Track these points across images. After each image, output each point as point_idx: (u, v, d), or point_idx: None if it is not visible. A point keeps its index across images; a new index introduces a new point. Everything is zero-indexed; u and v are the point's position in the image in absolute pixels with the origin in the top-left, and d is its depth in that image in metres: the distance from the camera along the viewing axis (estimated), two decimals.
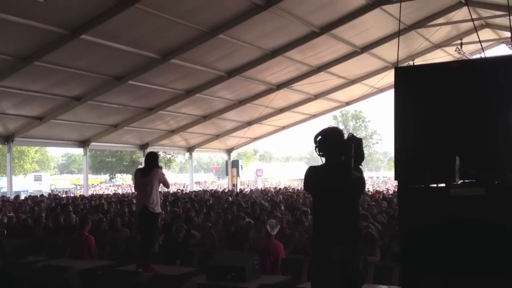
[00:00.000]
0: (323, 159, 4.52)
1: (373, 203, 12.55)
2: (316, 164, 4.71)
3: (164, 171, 8.22)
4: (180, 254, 8.76)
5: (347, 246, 4.35)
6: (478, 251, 3.96)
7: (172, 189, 37.18)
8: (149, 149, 25.85)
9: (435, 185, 4.18)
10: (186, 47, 15.68)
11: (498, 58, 5.45)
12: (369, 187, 37.06)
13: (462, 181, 4.19)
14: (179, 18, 13.84)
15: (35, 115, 19.05)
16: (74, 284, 6.80)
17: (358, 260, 4.48)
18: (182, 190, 27.91)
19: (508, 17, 17.42)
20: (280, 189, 28.62)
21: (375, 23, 17.76)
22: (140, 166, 11.27)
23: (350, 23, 16.77)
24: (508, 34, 20.07)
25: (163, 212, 11.08)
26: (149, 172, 7.61)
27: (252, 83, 20.92)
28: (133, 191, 30.34)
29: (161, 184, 7.88)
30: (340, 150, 4.38)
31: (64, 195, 28.08)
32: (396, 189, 20.59)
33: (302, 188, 18.58)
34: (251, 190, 27.89)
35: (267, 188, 31.17)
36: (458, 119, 4.45)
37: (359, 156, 4.37)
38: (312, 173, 4.54)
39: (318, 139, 4.54)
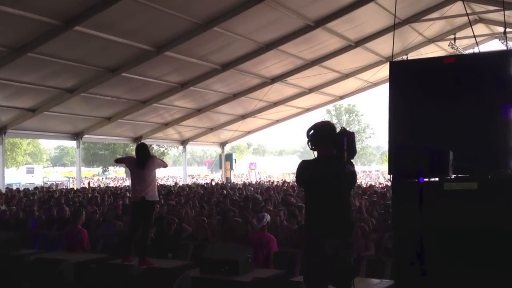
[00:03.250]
0: (315, 153, 4.54)
1: (366, 197, 12.58)
2: (309, 158, 4.73)
3: None
4: (172, 247, 8.77)
5: (340, 239, 4.37)
6: (471, 245, 3.98)
7: (169, 182, 37.20)
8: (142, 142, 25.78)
9: (428, 179, 4.19)
10: (180, 40, 15.61)
11: (492, 53, 5.46)
12: (362, 181, 37.15)
13: (455, 175, 4.21)
14: (174, 10, 13.77)
15: (27, 107, 18.93)
16: (68, 277, 6.80)
17: (350, 254, 4.50)
18: (176, 183, 27.85)
19: (501, 12, 17.51)
20: (272, 182, 28.60)
21: (369, 17, 17.77)
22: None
23: (344, 17, 16.77)
24: (501, 29, 20.15)
25: (158, 206, 11.06)
26: (145, 165, 7.59)
27: (246, 76, 20.89)
28: (126, 184, 30.32)
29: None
30: (332, 144, 4.39)
31: (55, 188, 27.93)
32: (388, 183, 20.69)
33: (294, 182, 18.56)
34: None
35: (262, 182, 31.13)
36: (452, 113, 4.46)
37: (352, 150, 4.37)
38: (304, 167, 4.55)
39: (310, 133, 4.55)
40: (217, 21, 14.89)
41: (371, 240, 7.52)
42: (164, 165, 8.18)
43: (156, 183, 7.98)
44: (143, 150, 7.78)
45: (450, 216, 4.03)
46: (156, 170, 7.76)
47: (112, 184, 35.96)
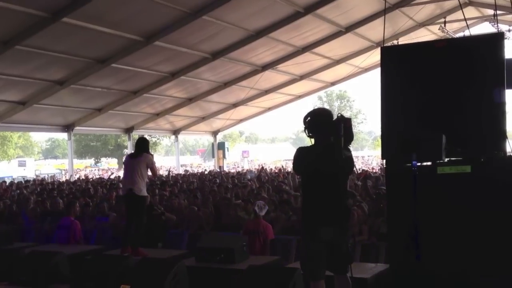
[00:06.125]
0: (312, 140, 4.54)
1: (359, 182, 12.59)
2: (303, 145, 4.73)
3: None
4: (161, 237, 8.78)
5: (337, 226, 4.38)
6: (465, 227, 4.01)
7: (161, 172, 37.01)
8: (134, 133, 25.78)
9: (421, 164, 4.21)
10: (169, 29, 15.50)
11: (483, 36, 5.46)
12: (356, 166, 37.13)
13: (448, 159, 4.22)
14: None
15: (17, 100, 18.77)
16: (63, 269, 6.77)
17: (347, 240, 4.52)
18: (170, 172, 27.72)
19: None
20: (264, 169, 28.52)
21: (359, 3, 17.72)
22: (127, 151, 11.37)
23: (334, 2, 16.72)
24: (491, 11, 20.17)
25: (149, 196, 11.03)
26: (137, 156, 7.71)
27: (237, 64, 20.82)
28: (117, 174, 30.27)
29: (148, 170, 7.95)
30: (329, 130, 4.39)
31: (50, 180, 27.81)
32: (379, 168, 20.77)
33: (290, 169, 18.56)
34: (247, 171, 27.71)
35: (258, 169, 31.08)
36: (444, 97, 4.48)
37: (349, 136, 4.38)
38: (302, 154, 4.54)
39: (307, 120, 4.54)
40: (206, 10, 14.78)
41: (364, 225, 7.56)
42: (153, 171, 8.06)
43: (146, 181, 7.91)
44: (139, 143, 7.94)
45: (443, 200, 4.05)
46: (146, 167, 7.73)
47: (107, 176, 35.74)
